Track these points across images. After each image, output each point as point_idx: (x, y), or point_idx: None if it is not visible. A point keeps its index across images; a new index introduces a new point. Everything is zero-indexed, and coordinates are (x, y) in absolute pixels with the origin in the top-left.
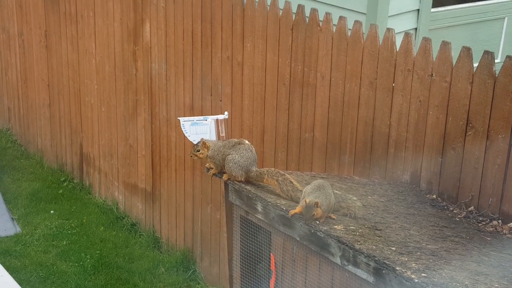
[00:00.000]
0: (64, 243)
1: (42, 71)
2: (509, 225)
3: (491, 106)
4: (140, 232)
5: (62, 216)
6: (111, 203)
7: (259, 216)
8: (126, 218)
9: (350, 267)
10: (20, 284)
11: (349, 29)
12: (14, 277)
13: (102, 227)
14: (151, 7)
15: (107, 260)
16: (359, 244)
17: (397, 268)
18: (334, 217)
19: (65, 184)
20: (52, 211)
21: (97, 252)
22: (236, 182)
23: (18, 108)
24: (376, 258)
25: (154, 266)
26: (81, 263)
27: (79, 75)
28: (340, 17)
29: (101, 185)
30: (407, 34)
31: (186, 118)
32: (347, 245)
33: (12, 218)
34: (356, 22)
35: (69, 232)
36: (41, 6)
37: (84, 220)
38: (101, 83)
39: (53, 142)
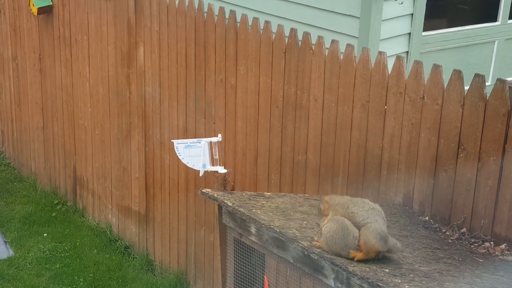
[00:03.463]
0: (57, 266)
1: (36, 94)
2: (501, 246)
3: (482, 128)
4: (133, 255)
5: (55, 239)
6: (105, 226)
7: (253, 238)
8: (119, 241)
9: None
10: None
11: (342, 52)
12: None
13: (96, 250)
14: (145, 31)
15: (101, 283)
16: (353, 266)
17: None
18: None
19: (58, 207)
20: (45, 234)
21: (90, 275)
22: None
23: (12, 131)
24: (370, 280)
25: None
26: (74, 286)
27: (73, 98)
28: (333, 41)
29: (94, 208)
30: (398, 58)
31: (180, 141)
32: (340, 267)
33: (5, 242)
34: (348, 45)
35: (62, 255)
36: (35, 30)
37: (77, 243)
38: (95, 106)
39: (46, 165)
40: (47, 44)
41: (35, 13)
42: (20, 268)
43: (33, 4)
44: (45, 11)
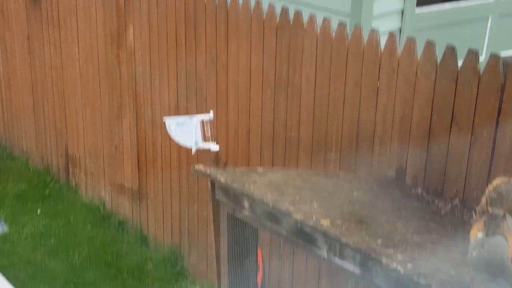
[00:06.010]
0: (52, 241)
1: (26, 75)
2: None
3: (476, 103)
4: (127, 230)
5: (49, 216)
6: (98, 202)
7: (246, 213)
8: (113, 216)
9: (337, 260)
10: (9, 280)
11: (334, 30)
12: (3, 275)
13: (90, 226)
14: (134, 11)
15: (96, 257)
16: (346, 238)
17: (383, 259)
18: None
19: (51, 184)
20: (39, 211)
21: (85, 250)
22: None
23: (2, 112)
24: (363, 251)
25: (142, 263)
26: (70, 260)
27: (62, 79)
28: (324, 19)
29: (87, 186)
30: (391, 34)
31: (172, 118)
32: (334, 239)
33: None
34: (341, 23)
35: (57, 231)
36: (23, 12)
37: (71, 219)
38: (85, 86)
39: (38, 144)
40: (36, 26)
41: None
42: (15, 243)
43: None
44: None
